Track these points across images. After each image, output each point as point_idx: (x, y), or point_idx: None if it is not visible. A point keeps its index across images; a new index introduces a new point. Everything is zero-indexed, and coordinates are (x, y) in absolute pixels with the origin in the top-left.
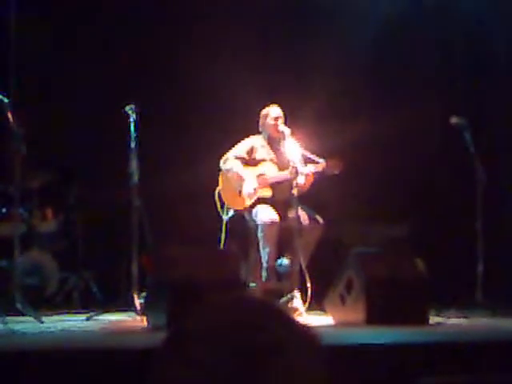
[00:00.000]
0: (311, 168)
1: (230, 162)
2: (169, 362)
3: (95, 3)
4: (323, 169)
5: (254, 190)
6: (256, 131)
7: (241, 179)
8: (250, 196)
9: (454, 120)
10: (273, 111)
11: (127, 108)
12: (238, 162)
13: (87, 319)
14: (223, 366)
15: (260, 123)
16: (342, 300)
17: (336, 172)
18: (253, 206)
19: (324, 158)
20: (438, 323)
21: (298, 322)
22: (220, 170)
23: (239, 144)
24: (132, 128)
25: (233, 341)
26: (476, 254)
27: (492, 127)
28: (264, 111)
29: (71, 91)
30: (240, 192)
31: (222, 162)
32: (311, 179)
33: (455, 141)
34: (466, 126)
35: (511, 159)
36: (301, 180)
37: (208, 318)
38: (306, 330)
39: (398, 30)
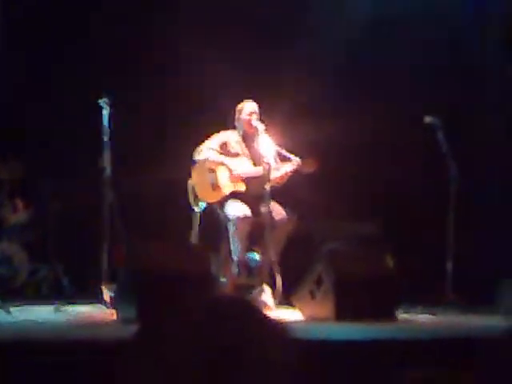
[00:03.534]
0: (286, 167)
1: (205, 152)
2: (139, 359)
3: None
4: (298, 167)
5: (238, 174)
6: (232, 126)
7: (220, 164)
8: (234, 174)
9: (427, 120)
10: (247, 106)
11: (101, 101)
12: (214, 152)
13: (56, 310)
14: (194, 363)
15: (235, 118)
16: (312, 295)
17: (310, 171)
18: (225, 199)
19: (299, 156)
20: (407, 320)
21: (268, 316)
22: (194, 162)
23: (213, 137)
24: (105, 121)
25: (204, 339)
26: (445, 251)
27: (466, 126)
28: (239, 106)
29: (45, 83)
30: (214, 184)
31: (196, 153)
32: (286, 176)
33: (428, 140)
34: (438, 125)
35: (484, 158)
36: (274, 175)
37: (179, 316)
38: (276, 325)
39: (372, 30)
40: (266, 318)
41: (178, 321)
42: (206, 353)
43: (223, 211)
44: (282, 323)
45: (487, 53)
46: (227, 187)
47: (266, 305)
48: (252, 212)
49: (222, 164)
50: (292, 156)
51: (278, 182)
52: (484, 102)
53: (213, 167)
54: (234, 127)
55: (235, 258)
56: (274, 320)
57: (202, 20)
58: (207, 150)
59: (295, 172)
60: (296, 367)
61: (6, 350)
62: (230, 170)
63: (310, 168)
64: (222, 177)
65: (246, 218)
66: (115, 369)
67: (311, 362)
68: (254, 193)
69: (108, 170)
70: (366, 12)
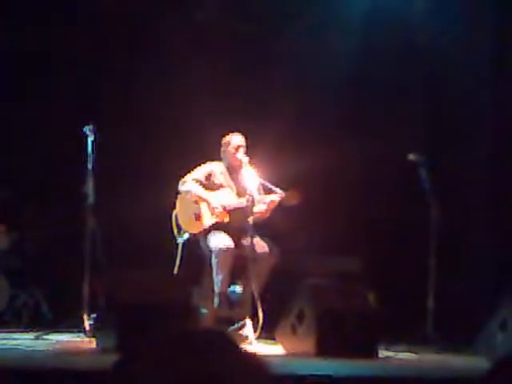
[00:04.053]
0: (270, 197)
1: (189, 184)
2: None
3: (56, 19)
4: (281, 199)
5: (221, 206)
6: (217, 157)
7: (200, 200)
8: (216, 212)
9: (411, 157)
10: (234, 139)
11: (85, 128)
12: (197, 185)
13: (36, 338)
14: None
15: (221, 150)
16: (293, 330)
17: (293, 203)
18: (208, 231)
19: (282, 188)
20: (387, 357)
21: (246, 351)
22: (178, 193)
23: (198, 168)
24: (89, 148)
25: (182, 372)
26: (427, 289)
27: (449, 165)
28: (226, 138)
29: (29, 109)
30: (197, 215)
31: (180, 184)
32: (269, 208)
33: (412, 177)
34: (422, 162)
35: (466, 197)
36: (257, 208)
37: (157, 349)
38: (254, 359)
39: (358, 66)
40: (242, 351)
41: (156, 357)
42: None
43: (206, 242)
44: (259, 357)
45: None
46: (209, 218)
47: (246, 338)
48: (235, 244)
49: (204, 200)
50: (276, 188)
51: (261, 215)
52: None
53: (196, 199)
54: (220, 159)
55: (217, 289)
56: (251, 354)
57: (190, 52)
58: (191, 182)
59: (279, 204)
60: None
61: None
62: (211, 207)
63: (293, 200)
64: (205, 208)
65: (228, 249)
66: None
67: None
68: (236, 225)
69: (91, 198)
70: (353, 44)
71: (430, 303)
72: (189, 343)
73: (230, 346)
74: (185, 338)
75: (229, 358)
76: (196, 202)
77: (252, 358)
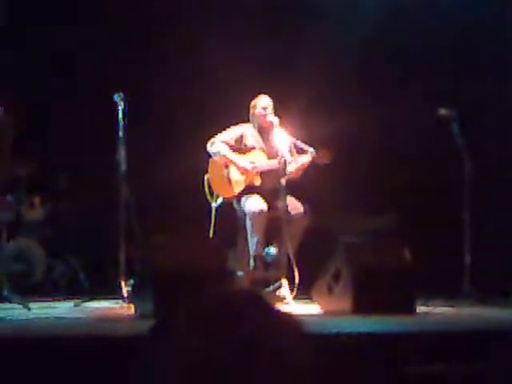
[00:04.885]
0: (301, 159)
1: (217, 144)
2: (154, 351)
3: None
4: (313, 159)
5: (252, 167)
6: (247, 120)
7: (228, 161)
8: (245, 171)
9: (441, 112)
10: (261, 101)
11: (116, 96)
12: (226, 146)
13: (74, 306)
14: (210, 355)
15: (250, 113)
16: (330, 289)
17: (326, 162)
18: (241, 194)
19: (314, 147)
20: (425, 312)
21: (281, 310)
22: (210, 156)
23: (228, 129)
24: (120, 116)
25: (217, 331)
26: (463, 243)
27: (480, 118)
28: (253, 101)
29: (59, 79)
30: (228, 179)
31: (208, 144)
32: (302, 168)
33: (443, 132)
34: (453, 117)
35: (499, 150)
36: (289, 169)
37: (194, 309)
38: (290, 318)
39: (385, 24)
40: (279, 311)
41: (193, 316)
42: (222, 347)
43: (240, 206)
44: (293, 316)
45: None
46: (240, 181)
47: (283, 299)
48: (268, 206)
49: (231, 161)
50: (308, 147)
51: (293, 176)
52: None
53: (227, 162)
54: (249, 121)
55: (252, 252)
56: (284, 312)
57: (215, 13)
58: (219, 143)
59: (311, 164)
60: (310, 361)
61: (25, 347)
62: (240, 167)
63: (326, 159)
64: (235, 171)
65: (262, 212)
66: (131, 363)
67: (327, 356)
68: (269, 187)
69: (123, 166)
70: (379, 8)
71: (467, 257)
72: (222, 304)
73: (263, 305)
74: (218, 298)
75: (262, 317)
76: (226, 166)
77: (286, 316)
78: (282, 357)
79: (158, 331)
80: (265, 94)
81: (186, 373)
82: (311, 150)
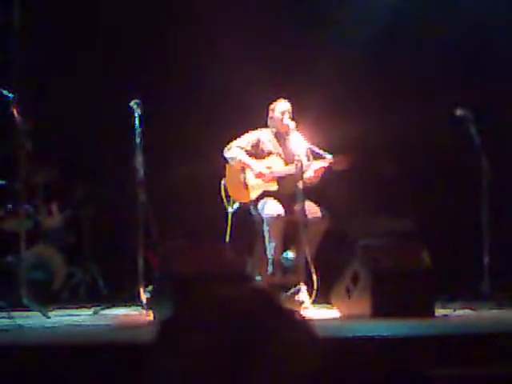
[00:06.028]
0: (319, 164)
1: (234, 150)
2: (160, 353)
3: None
4: (330, 164)
5: (270, 172)
6: (264, 125)
7: (246, 166)
8: (261, 175)
9: (458, 112)
10: (280, 105)
11: (132, 103)
12: (242, 151)
13: (94, 313)
14: (216, 355)
15: (268, 117)
16: (348, 293)
17: (343, 168)
18: (258, 199)
19: (331, 153)
20: (444, 315)
21: (289, 310)
22: (226, 161)
23: (245, 135)
24: (137, 123)
25: (224, 330)
26: (482, 246)
27: (497, 118)
28: (272, 105)
29: (76, 86)
30: (244, 184)
31: (225, 150)
32: (319, 174)
33: (460, 133)
34: (470, 117)
35: None
36: (307, 174)
37: (200, 309)
38: (300, 321)
39: (399, 25)
40: (290, 313)
41: (198, 316)
42: (228, 347)
43: (257, 211)
44: (306, 320)
45: None
46: (257, 186)
47: (302, 303)
48: (286, 211)
49: (247, 165)
50: (324, 153)
51: (310, 180)
52: None
53: (244, 167)
54: (267, 125)
55: (270, 257)
56: (299, 315)
57: (231, 19)
58: (236, 149)
59: (328, 169)
60: (316, 366)
61: (45, 354)
62: (255, 172)
63: (343, 165)
64: (252, 176)
65: (279, 216)
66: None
67: (347, 360)
68: (286, 191)
69: (140, 172)
70: (394, 7)
71: (486, 259)
72: (234, 303)
73: (275, 305)
74: (230, 298)
75: (273, 317)
76: (242, 171)
77: (297, 318)
78: (289, 359)
79: (163, 334)
80: (284, 98)
81: (195, 371)
82: (328, 155)
